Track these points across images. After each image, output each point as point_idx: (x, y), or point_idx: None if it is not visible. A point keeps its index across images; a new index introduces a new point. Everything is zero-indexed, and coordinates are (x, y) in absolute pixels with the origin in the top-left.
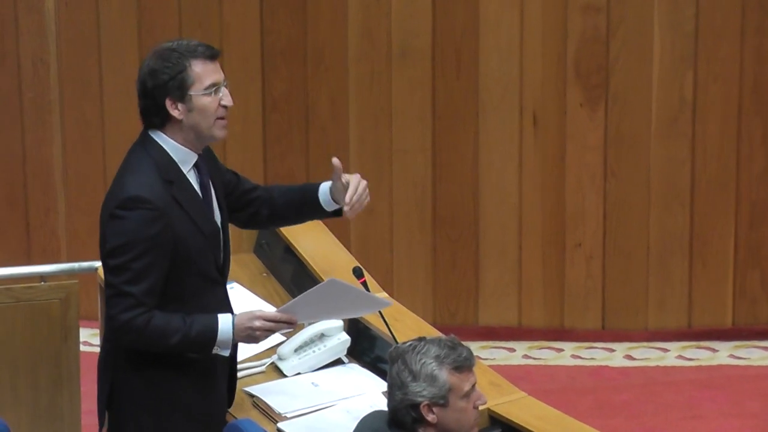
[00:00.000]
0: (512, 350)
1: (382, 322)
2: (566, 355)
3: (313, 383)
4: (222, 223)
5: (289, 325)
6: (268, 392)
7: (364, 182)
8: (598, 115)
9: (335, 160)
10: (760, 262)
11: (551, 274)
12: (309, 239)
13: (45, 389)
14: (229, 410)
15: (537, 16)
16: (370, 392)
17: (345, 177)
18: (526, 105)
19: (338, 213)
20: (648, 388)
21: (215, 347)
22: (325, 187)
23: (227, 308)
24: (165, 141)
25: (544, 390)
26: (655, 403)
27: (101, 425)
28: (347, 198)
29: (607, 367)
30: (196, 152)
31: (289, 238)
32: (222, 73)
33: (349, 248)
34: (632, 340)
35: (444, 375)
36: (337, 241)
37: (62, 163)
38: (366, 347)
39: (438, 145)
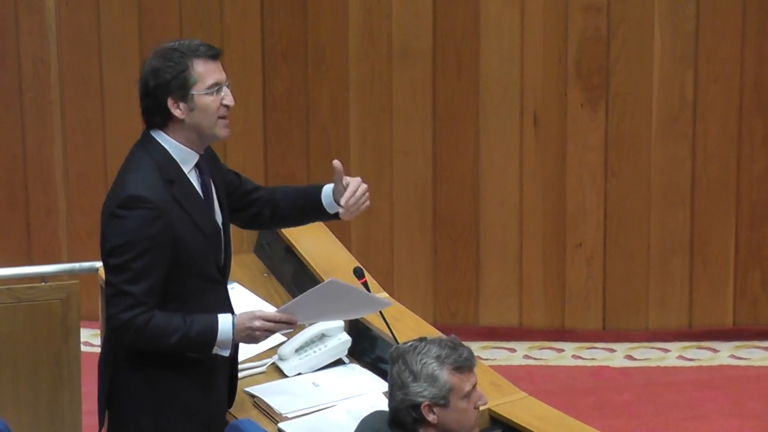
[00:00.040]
0: (513, 350)
1: (383, 322)
2: (567, 355)
3: (313, 383)
4: (223, 223)
5: (289, 325)
6: (269, 392)
7: (364, 186)
8: (599, 115)
9: (336, 163)
10: (761, 262)
11: (552, 274)
12: (310, 239)
13: (46, 389)
14: (230, 410)
15: (537, 17)
16: (370, 392)
17: (346, 179)
18: (526, 105)
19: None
20: (649, 389)
21: (215, 347)
22: (328, 189)
23: (228, 308)
24: (166, 141)
25: (544, 390)
26: (656, 404)
27: (101, 424)
28: (343, 200)
29: (607, 367)
30: (197, 152)
31: (290, 238)
32: (224, 72)
33: (349, 248)
34: (633, 340)
35: (445, 375)
36: (338, 242)
37: (63, 163)
38: (367, 347)
39: (439, 145)
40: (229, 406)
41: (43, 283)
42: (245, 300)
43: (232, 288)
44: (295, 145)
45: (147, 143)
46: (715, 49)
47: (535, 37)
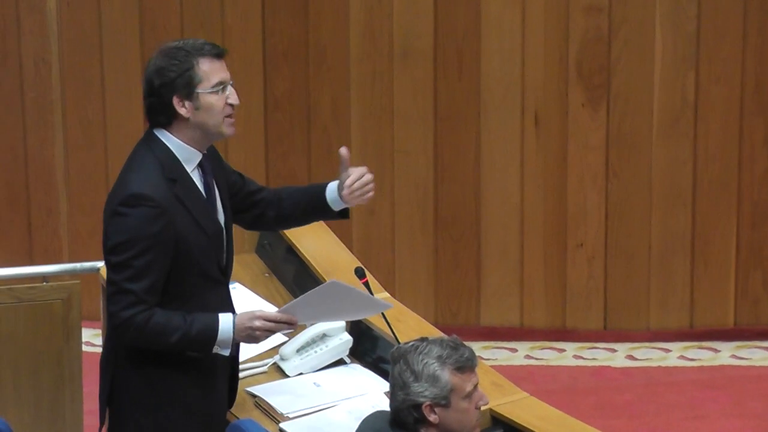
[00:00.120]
0: (514, 350)
1: (384, 322)
2: (568, 355)
3: (315, 383)
4: (225, 223)
5: (289, 325)
6: (270, 392)
7: (370, 175)
8: (600, 116)
9: (343, 150)
10: (762, 263)
11: (553, 274)
12: (311, 240)
13: (47, 389)
14: (231, 410)
15: (539, 17)
16: (372, 392)
17: (351, 170)
18: (527, 105)
19: (345, 214)
20: (650, 389)
21: (215, 346)
22: (332, 186)
23: (229, 308)
24: (169, 139)
25: (545, 390)
26: (657, 404)
27: (102, 423)
28: (348, 181)
29: (608, 367)
30: (200, 151)
31: (291, 238)
32: (228, 71)
33: (351, 249)
34: (634, 340)
35: (446, 375)
36: (339, 242)
37: (64, 163)
38: (368, 347)
39: (440, 145)
40: (230, 406)
41: (44, 283)
42: (246, 300)
43: (234, 288)
44: (296, 145)
45: (150, 142)
46: (716, 50)
47: (536, 38)
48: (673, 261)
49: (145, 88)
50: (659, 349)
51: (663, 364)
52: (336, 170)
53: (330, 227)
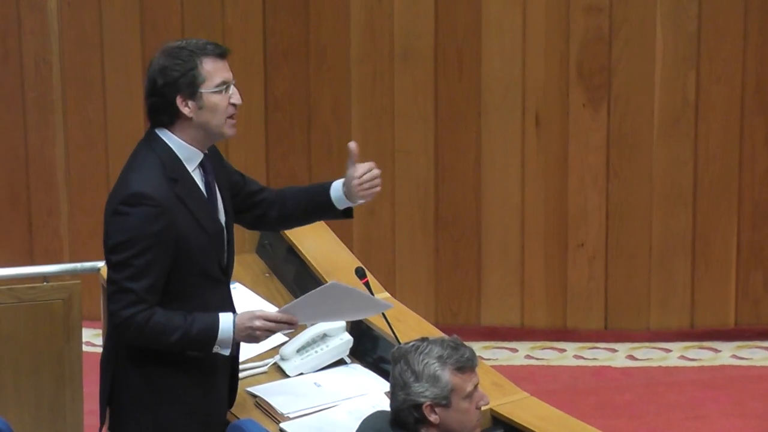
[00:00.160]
0: (515, 350)
1: (385, 322)
2: (569, 355)
3: (315, 383)
4: (226, 222)
5: (289, 325)
6: (271, 392)
7: (377, 170)
8: (601, 116)
9: (352, 144)
10: (763, 263)
11: (554, 274)
12: (311, 240)
13: (48, 389)
14: (232, 410)
15: (539, 17)
16: (372, 393)
17: (358, 165)
18: (528, 106)
19: (349, 213)
20: (650, 389)
21: (215, 346)
22: (337, 185)
23: (230, 308)
24: (171, 139)
25: (546, 390)
26: (658, 404)
27: (102, 422)
28: (359, 172)
29: (609, 367)
30: (202, 151)
31: (292, 238)
32: (230, 71)
33: (351, 249)
34: (634, 340)
35: (446, 375)
36: (340, 242)
37: (65, 163)
38: (368, 347)
39: (440, 145)
40: (230, 406)
41: (44, 283)
42: (247, 300)
43: (234, 288)
44: (296, 145)
45: (151, 141)
46: (717, 50)
47: (537, 38)
48: (673, 261)
49: (147, 88)
50: (660, 349)
51: (663, 364)
52: (336, 170)
53: (330, 227)
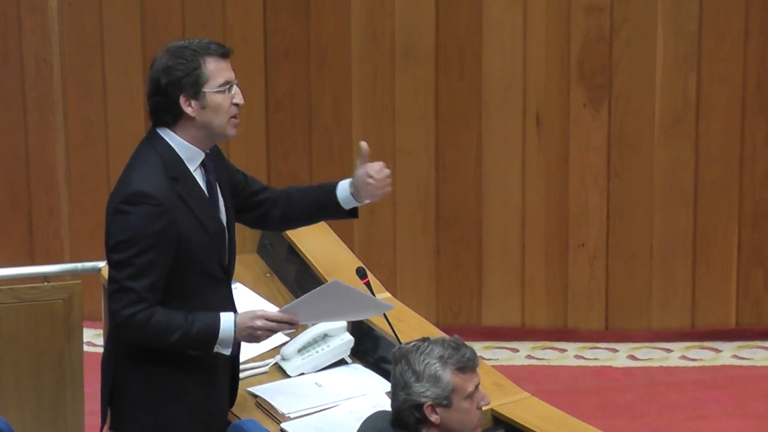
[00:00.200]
0: (515, 351)
1: (386, 322)
2: (569, 355)
3: (316, 383)
4: (228, 222)
5: (290, 325)
6: (272, 392)
7: (388, 170)
8: (602, 116)
9: (363, 144)
10: (764, 262)
11: (554, 274)
12: (312, 240)
13: (48, 389)
14: (233, 410)
15: (540, 17)
16: (373, 393)
17: (368, 165)
18: (529, 105)
19: (355, 213)
20: (651, 389)
21: (216, 345)
22: (344, 184)
23: (231, 308)
24: (173, 138)
25: (547, 390)
26: (659, 404)
27: (103, 422)
28: (374, 170)
29: (610, 367)
30: (203, 150)
31: (293, 238)
32: (233, 71)
33: (352, 249)
34: (635, 340)
35: (447, 375)
36: (341, 242)
37: (65, 163)
38: (369, 347)
39: (441, 145)
40: (231, 406)
41: (45, 283)
42: (248, 300)
43: (235, 288)
44: (297, 145)
45: (153, 141)
46: (717, 50)
47: (538, 37)
48: (674, 261)
49: (150, 87)
50: (661, 349)
51: (664, 364)
52: (337, 170)
53: (331, 227)
